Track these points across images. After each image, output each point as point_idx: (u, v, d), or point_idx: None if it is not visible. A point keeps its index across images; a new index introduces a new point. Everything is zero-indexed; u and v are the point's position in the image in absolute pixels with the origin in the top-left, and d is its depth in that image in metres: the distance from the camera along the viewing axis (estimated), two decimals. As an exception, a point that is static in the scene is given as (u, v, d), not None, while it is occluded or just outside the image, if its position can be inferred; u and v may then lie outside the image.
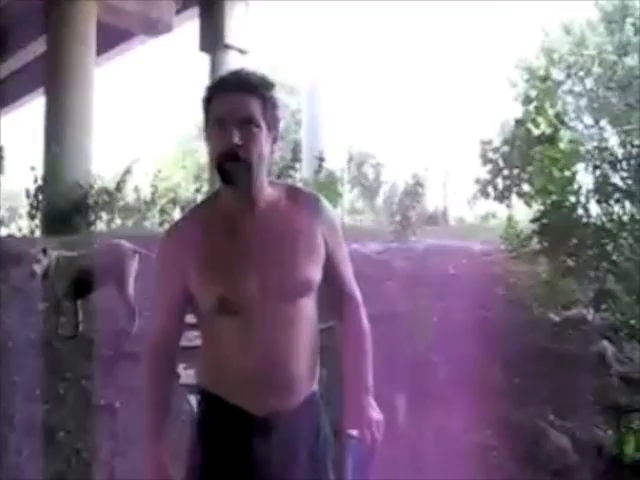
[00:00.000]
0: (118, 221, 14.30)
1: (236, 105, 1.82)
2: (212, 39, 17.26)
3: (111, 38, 17.67)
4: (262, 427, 1.89)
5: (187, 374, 5.04)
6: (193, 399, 4.63)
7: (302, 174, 12.39)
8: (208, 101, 1.87)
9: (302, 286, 1.89)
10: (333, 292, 2.05)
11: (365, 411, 1.92)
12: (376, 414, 1.94)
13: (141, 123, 56.62)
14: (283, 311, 1.87)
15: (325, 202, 2.03)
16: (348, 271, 2.08)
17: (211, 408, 1.99)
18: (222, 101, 1.83)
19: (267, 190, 1.93)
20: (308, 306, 1.93)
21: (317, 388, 2.04)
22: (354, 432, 1.91)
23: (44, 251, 5.62)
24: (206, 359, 2.00)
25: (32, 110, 22.50)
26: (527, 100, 8.10)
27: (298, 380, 1.90)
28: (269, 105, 1.87)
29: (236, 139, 1.78)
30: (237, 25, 17.30)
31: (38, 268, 5.53)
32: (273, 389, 1.86)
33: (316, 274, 1.92)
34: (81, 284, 5.61)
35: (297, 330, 1.89)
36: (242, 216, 1.89)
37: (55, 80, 13.49)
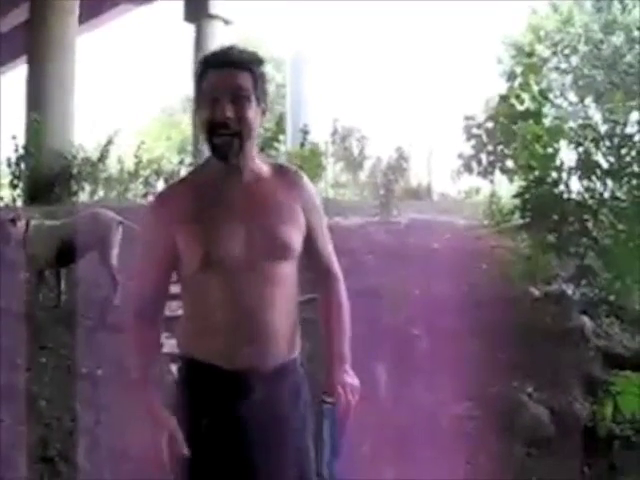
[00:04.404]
0: (101, 192, 14.22)
1: (228, 80, 1.91)
2: (196, 9, 17.08)
3: (94, 6, 17.44)
4: (240, 385, 1.94)
5: (169, 343, 5.07)
6: (175, 368, 4.66)
7: (286, 147, 12.36)
8: (200, 76, 1.95)
9: (281, 246, 1.97)
10: (313, 266, 2.17)
11: (339, 376, 2.00)
12: (350, 379, 2.02)
13: (125, 94, 56.13)
14: (264, 270, 1.94)
15: (307, 180, 2.14)
16: (327, 247, 2.17)
17: (190, 372, 2.04)
18: (214, 76, 1.92)
19: (254, 163, 2.02)
20: (288, 271, 2.00)
21: (299, 357, 2.10)
22: (329, 397, 1.97)
23: (15, 218, 5.61)
24: (186, 320, 2.05)
25: (14, 78, 22.24)
26: (512, 76, 8.11)
27: (275, 337, 1.95)
28: (259, 80, 1.96)
29: (228, 112, 1.88)
30: (222, -5, 17.14)
31: (13, 232, 5.54)
32: (251, 341, 1.92)
33: (296, 239, 2.00)
34: (64, 253, 5.59)
35: (276, 291, 1.95)
36: (229, 183, 1.98)
37: (37, 48, 13.33)
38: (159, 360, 2.11)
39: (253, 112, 1.92)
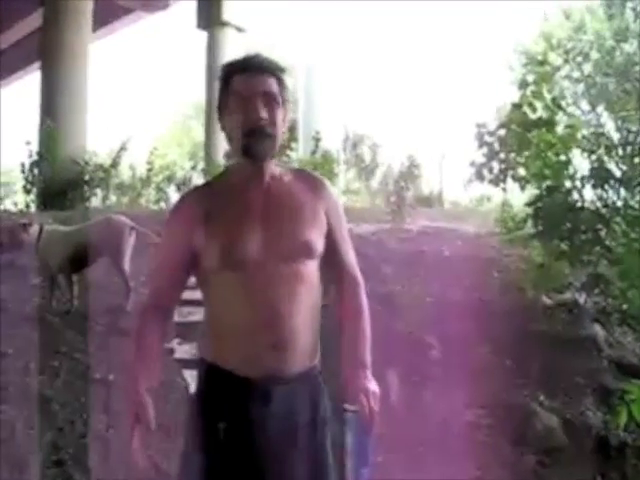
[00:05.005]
0: (113, 198, 14.25)
1: (260, 83, 1.98)
2: (209, 16, 17.16)
3: (108, 14, 17.55)
4: (260, 393, 1.93)
5: (181, 349, 5.09)
6: (187, 374, 4.68)
7: (298, 154, 12.35)
8: (227, 80, 2.01)
9: (303, 246, 1.98)
10: (334, 271, 2.15)
11: (361, 383, 1.97)
12: (372, 386, 1.99)
13: (137, 100, 56.40)
14: (284, 270, 1.94)
15: (329, 185, 2.16)
16: (349, 252, 2.18)
17: (210, 376, 2.03)
18: (246, 80, 1.98)
19: (275, 167, 2.07)
20: (309, 272, 2.00)
21: (318, 365, 2.09)
22: (351, 406, 1.95)
23: (26, 224, 5.64)
24: (208, 325, 2.06)
25: (28, 84, 22.40)
26: (524, 84, 8.09)
27: (296, 339, 1.94)
28: (283, 86, 2.03)
29: (263, 114, 1.93)
30: (234, 2, 17.20)
31: (26, 238, 5.57)
32: (272, 343, 1.91)
33: (317, 240, 2.02)
34: (77, 258, 5.61)
35: (297, 292, 1.95)
36: (250, 184, 2.02)
37: (51, 55, 13.38)
38: (160, 351, 2.07)
39: (281, 117, 2.00)
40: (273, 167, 2.06)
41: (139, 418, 1.87)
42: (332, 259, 2.11)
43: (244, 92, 1.96)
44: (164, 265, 2.11)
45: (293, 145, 10.76)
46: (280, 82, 2.01)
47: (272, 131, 1.96)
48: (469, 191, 13.89)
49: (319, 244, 2.02)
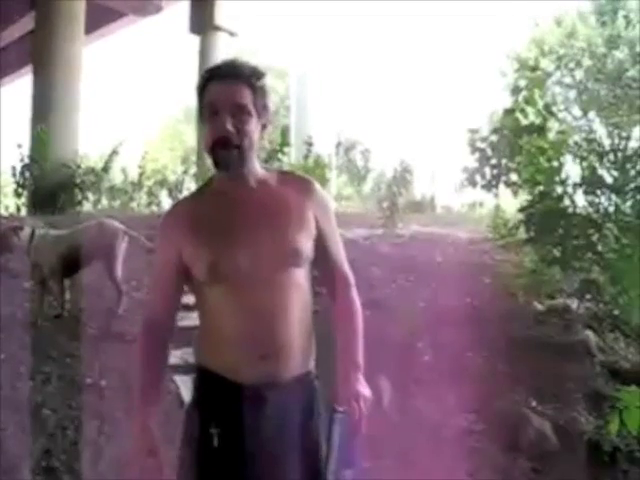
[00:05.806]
0: (105, 202, 14.22)
1: (229, 93, 1.93)
2: (202, 20, 17.15)
3: (100, 17, 17.52)
4: (253, 399, 1.92)
5: (173, 355, 5.06)
6: (178, 379, 4.66)
7: (290, 159, 12.35)
8: (202, 89, 1.97)
9: (291, 253, 1.95)
10: (325, 272, 2.14)
11: (353, 386, 1.97)
12: (363, 389, 1.99)
13: (129, 104, 56.31)
14: (273, 279, 1.93)
15: (318, 185, 2.12)
16: (340, 252, 2.15)
17: (204, 382, 2.03)
18: (215, 89, 1.95)
19: (259, 172, 2.04)
20: (299, 278, 1.98)
21: (313, 369, 2.08)
22: (341, 407, 1.95)
23: (17, 228, 5.61)
24: (201, 331, 2.06)
25: (19, 87, 22.33)
26: (516, 90, 8.13)
27: (288, 348, 1.93)
28: (259, 94, 1.97)
29: (229, 126, 1.90)
30: (227, 7, 17.20)
31: (17, 241, 5.54)
32: (263, 354, 1.90)
33: (306, 245, 1.99)
34: (69, 262, 5.58)
35: (287, 299, 1.94)
36: (234, 193, 1.99)
37: (42, 58, 13.33)
38: (162, 379, 2.09)
39: (253, 125, 1.95)
40: (258, 171, 2.03)
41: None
42: (323, 260, 2.09)
43: (213, 104, 1.93)
44: (157, 279, 2.12)
45: (285, 150, 10.76)
46: (254, 89, 1.96)
47: (239, 141, 1.91)
48: (461, 197, 13.98)
49: (308, 249, 2.00)
